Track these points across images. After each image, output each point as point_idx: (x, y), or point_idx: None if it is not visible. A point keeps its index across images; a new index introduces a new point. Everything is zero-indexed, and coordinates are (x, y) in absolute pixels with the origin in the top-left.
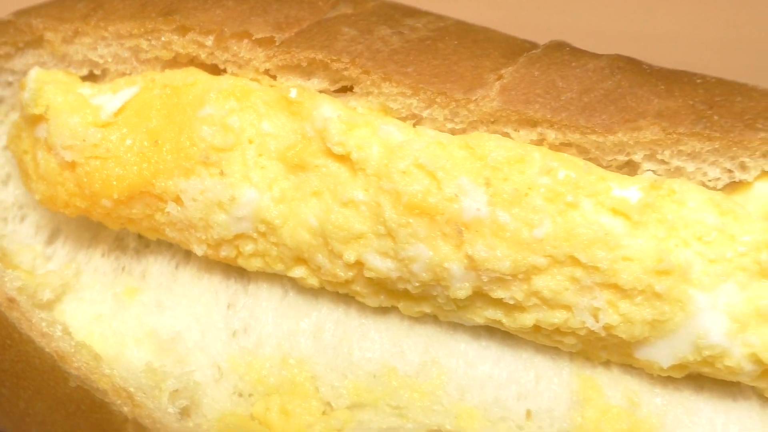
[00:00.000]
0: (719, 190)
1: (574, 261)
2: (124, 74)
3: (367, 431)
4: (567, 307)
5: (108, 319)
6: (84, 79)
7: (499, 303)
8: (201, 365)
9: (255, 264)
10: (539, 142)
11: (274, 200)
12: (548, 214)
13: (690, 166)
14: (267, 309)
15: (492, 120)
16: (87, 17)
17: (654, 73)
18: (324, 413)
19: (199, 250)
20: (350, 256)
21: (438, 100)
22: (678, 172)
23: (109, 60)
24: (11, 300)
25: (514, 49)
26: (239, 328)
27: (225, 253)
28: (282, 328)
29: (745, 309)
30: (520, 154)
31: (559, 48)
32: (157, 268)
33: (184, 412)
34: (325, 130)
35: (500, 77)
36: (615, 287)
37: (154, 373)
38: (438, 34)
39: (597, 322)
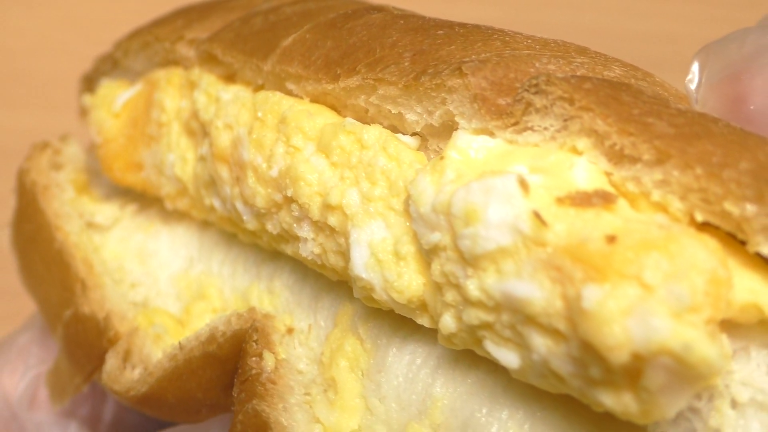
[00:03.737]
0: (418, 133)
1: (291, 198)
2: None
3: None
4: (297, 238)
5: (126, 239)
6: None
7: (271, 235)
8: (162, 277)
9: (194, 214)
10: (302, 95)
11: (182, 161)
12: (282, 156)
13: (393, 109)
14: (209, 243)
15: (278, 78)
16: (124, 39)
17: (404, 27)
18: (213, 310)
19: (168, 206)
20: (207, 200)
21: (253, 68)
22: (387, 114)
23: (145, 67)
24: (46, 187)
25: (327, 17)
26: (193, 256)
27: (179, 206)
28: (206, 254)
29: (385, 246)
30: (276, 107)
31: (349, 14)
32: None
33: (142, 304)
34: (194, 99)
35: (286, 42)
36: (310, 221)
37: (123, 270)
38: (293, 14)
39: (306, 250)
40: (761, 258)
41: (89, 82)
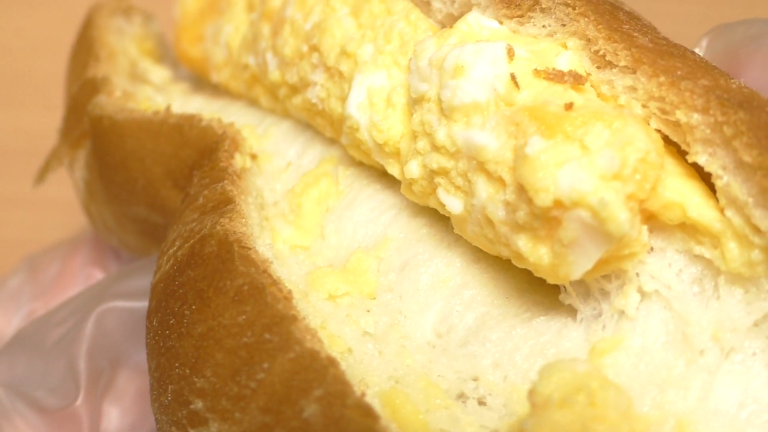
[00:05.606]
0: (440, 20)
1: (315, 46)
2: None
3: None
4: (308, 85)
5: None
6: None
7: (289, 85)
8: (175, 103)
9: (231, 85)
10: None
11: (235, 30)
12: (318, 13)
13: None
14: (230, 106)
15: None
16: None
17: None
18: None
19: (214, 77)
20: (243, 59)
21: None
22: (419, 1)
23: None
24: (101, 8)
25: None
26: (214, 110)
27: (222, 77)
28: (224, 110)
29: (381, 93)
30: None
31: None
32: None
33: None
34: None
35: None
36: (325, 66)
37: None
38: None
39: (313, 94)
40: (698, 172)
41: None
